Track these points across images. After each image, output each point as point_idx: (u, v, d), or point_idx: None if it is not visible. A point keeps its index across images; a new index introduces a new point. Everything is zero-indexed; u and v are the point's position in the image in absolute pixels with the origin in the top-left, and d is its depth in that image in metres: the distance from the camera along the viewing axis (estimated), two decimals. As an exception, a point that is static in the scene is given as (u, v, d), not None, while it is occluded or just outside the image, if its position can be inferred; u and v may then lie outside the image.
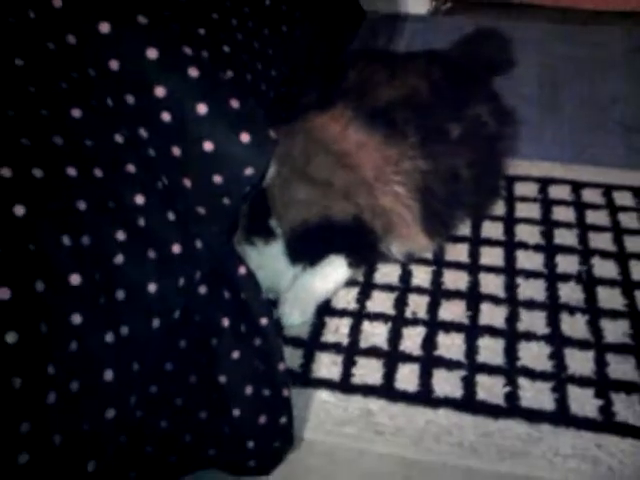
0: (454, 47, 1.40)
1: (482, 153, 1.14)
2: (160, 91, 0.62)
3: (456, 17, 1.83)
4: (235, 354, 0.73)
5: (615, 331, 0.96)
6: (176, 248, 0.68)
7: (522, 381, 0.90)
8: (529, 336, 0.96)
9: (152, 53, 0.61)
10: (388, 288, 1.05)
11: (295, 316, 0.99)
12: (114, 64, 0.61)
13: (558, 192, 1.22)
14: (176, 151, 0.65)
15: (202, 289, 0.72)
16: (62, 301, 0.56)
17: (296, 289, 1.00)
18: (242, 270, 0.77)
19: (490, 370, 0.91)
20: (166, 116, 0.63)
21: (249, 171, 0.67)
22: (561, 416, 0.85)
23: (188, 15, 0.78)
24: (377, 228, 1.03)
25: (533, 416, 0.86)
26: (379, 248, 1.05)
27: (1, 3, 0.62)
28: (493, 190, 1.19)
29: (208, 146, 0.64)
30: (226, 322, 0.73)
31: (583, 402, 0.87)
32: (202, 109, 0.63)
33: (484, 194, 1.16)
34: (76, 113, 0.63)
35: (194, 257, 0.70)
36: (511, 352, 0.94)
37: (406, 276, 1.07)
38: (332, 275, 1.02)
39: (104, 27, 0.60)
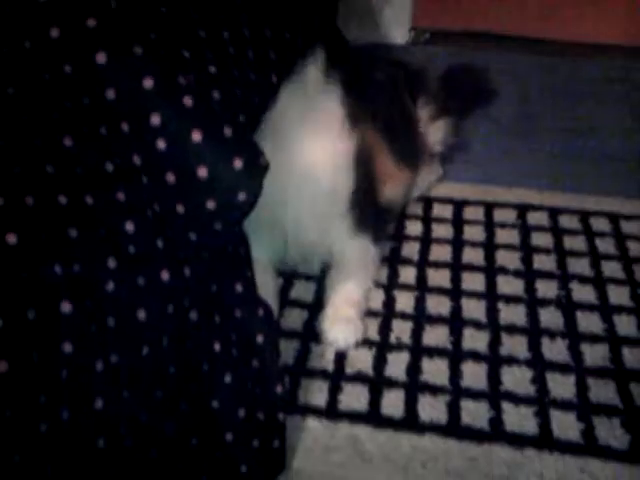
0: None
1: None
2: (155, 119, 0.63)
3: (435, 47, 1.87)
4: (227, 378, 0.73)
5: (595, 355, 0.98)
6: (165, 275, 0.68)
7: (505, 406, 0.91)
8: (511, 361, 0.97)
9: (148, 83, 0.62)
10: (372, 314, 1.05)
11: (350, 338, 0.99)
12: (110, 93, 0.62)
13: (536, 218, 1.25)
14: (170, 177, 0.66)
15: (192, 314, 0.73)
16: (53, 329, 0.56)
17: (336, 304, 1.01)
18: (238, 287, 0.78)
19: (474, 395, 0.92)
20: (161, 144, 0.64)
21: (242, 196, 0.68)
22: (544, 440, 0.86)
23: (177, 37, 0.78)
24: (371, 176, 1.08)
25: (517, 440, 0.86)
26: (381, 204, 1.11)
27: (-6, 33, 0.63)
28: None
29: (202, 172, 0.65)
30: (217, 346, 0.74)
31: (566, 426, 0.88)
32: (197, 136, 0.64)
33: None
34: (68, 142, 0.63)
35: (183, 283, 0.70)
36: (494, 377, 0.95)
37: (389, 301, 1.08)
38: (364, 267, 1.06)
39: (101, 57, 0.61)
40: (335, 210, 1.04)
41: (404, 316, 1.05)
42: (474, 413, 0.90)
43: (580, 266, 1.14)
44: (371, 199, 1.07)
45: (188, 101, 0.64)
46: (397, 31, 1.89)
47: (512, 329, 1.02)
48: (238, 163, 0.67)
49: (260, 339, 0.79)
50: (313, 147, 1.00)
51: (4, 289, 0.53)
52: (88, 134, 0.64)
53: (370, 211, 1.07)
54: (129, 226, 0.65)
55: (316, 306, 1.06)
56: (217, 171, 0.66)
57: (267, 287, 1.02)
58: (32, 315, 0.54)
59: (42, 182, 0.60)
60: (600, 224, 1.23)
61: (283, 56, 0.90)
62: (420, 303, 1.07)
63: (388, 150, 1.14)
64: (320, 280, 1.10)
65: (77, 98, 0.63)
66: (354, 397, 0.92)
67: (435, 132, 1.31)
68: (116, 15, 0.64)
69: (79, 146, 0.63)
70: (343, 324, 1.00)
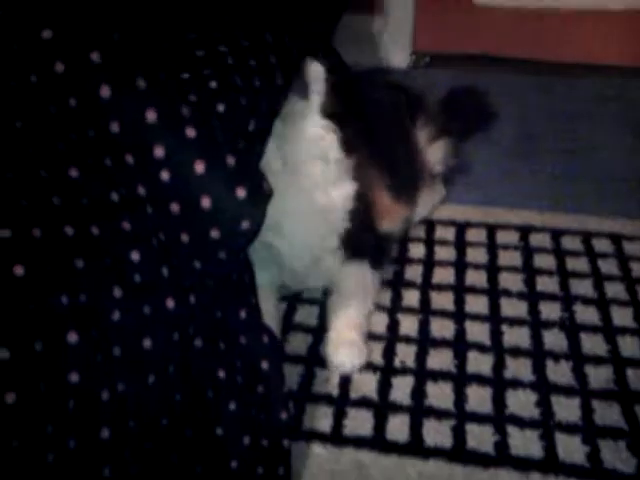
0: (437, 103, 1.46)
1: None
2: (159, 151, 0.64)
3: (435, 70, 1.89)
4: (232, 405, 0.74)
5: (599, 377, 0.98)
6: (170, 303, 0.69)
7: (511, 429, 0.91)
8: (516, 384, 0.97)
9: (151, 115, 0.64)
10: (376, 337, 1.06)
11: (356, 361, 0.99)
12: (115, 126, 0.63)
13: (538, 240, 1.25)
14: (175, 207, 0.67)
15: (197, 342, 0.73)
16: (60, 360, 0.57)
17: (338, 328, 1.02)
18: (243, 314, 0.79)
19: (479, 419, 0.92)
20: (165, 175, 0.65)
21: (245, 225, 0.69)
22: (550, 464, 0.86)
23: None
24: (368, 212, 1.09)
25: (522, 464, 0.86)
26: (380, 232, 1.12)
27: (3, 67, 0.64)
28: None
29: (206, 202, 0.66)
30: (222, 374, 0.74)
31: (571, 449, 0.88)
32: (200, 167, 0.66)
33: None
34: (73, 173, 0.64)
35: (188, 311, 0.71)
36: (499, 400, 0.95)
37: (393, 325, 1.08)
38: (364, 291, 1.06)
39: (105, 91, 0.63)
40: (329, 241, 1.05)
41: (408, 340, 1.05)
42: (479, 437, 0.90)
43: (583, 287, 1.14)
44: (367, 228, 1.08)
45: (191, 132, 0.65)
46: (398, 55, 1.91)
47: (516, 352, 1.02)
48: (241, 192, 0.68)
49: (265, 365, 0.79)
50: (309, 182, 1.00)
51: (12, 321, 0.54)
52: (93, 166, 0.65)
53: (366, 239, 1.08)
54: (134, 255, 0.66)
55: (320, 330, 1.06)
56: (220, 201, 0.67)
57: (269, 312, 1.02)
58: (39, 346, 0.55)
59: (49, 213, 0.61)
60: (602, 245, 1.23)
61: (285, 59, 0.91)
62: (424, 326, 1.08)
63: (387, 187, 1.15)
64: (323, 304, 1.10)
65: (82, 131, 0.64)
66: (359, 422, 0.92)
67: (435, 152, 1.32)
68: (119, 48, 0.65)
69: (84, 177, 0.64)
70: (347, 347, 1.00)
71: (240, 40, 0.83)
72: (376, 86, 1.34)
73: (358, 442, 0.89)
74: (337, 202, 1.02)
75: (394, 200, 1.17)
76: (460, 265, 1.20)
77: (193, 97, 0.68)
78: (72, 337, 0.58)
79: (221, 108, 0.72)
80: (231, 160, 0.68)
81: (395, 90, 1.33)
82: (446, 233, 1.28)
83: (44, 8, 0.65)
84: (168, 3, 0.83)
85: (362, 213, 1.05)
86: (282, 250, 1.03)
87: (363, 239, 1.07)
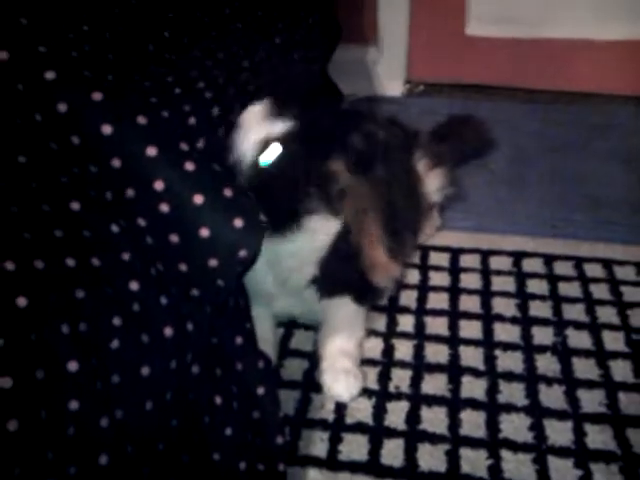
0: (434, 131, 1.50)
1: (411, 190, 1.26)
2: (159, 185, 0.67)
3: (429, 99, 1.93)
4: (228, 431, 0.75)
5: (592, 401, 0.99)
6: (168, 331, 0.71)
7: (504, 453, 0.92)
8: (509, 408, 0.98)
9: (152, 151, 0.67)
10: (371, 362, 1.07)
11: (354, 390, 1.00)
12: (116, 162, 0.66)
13: (531, 265, 1.27)
14: (174, 238, 0.69)
15: (194, 368, 0.75)
16: (61, 388, 0.58)
17: (331, 357, 1.02)
18: (239, 340, 0.81)
19: (473, 443, 0.94)
20: (164, 207, 0.68)
21: (243, 253, 0.71)
22: (543, 487, 0.87)
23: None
24: (362, 261, 1.07)
25: (516, 488, 0.87)
26: (370, 280, 1.09)
27: (8, 106, 0.67)
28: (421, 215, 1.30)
29: (204, 232, 0.69)
30: (218, 400, 0.76)
31: (564, 473, 0.89)
32: (198, 199, 0.68)
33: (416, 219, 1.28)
34: (75, 206, 0.67)
35: (186, 339, 0.73)
36: (493, 424, 0.96)
37: (388, 350, 1.10)
38: (350, 322, 1.06)
39: (106, 129, 0.66)
40: (305, 270, 1.03)
41: (403, 365, 1.07)
42: (473, 462, 0.91)
43: (575, 312, 1.16)
44: (349, 266, 1.05)
45: (190, 166, 0.68)
46: (392, 84, 1.95)
47: (509, 376, 1.04)
48: (238, 222, 0.70)
49: (261, 391, 0.81)
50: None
51: (14, 350, 0.56)
52: (95, 199, 0.68)
53: (348, 276, 1.06)
54: (134, 285, 0.68)
55: (316, 356, 1.08)
56: (219, 231, 0.70)
57: (266, 337, 1.04)
58: (40, 375, 0.57)
59: (51, 246, 0.63)
60: (594, 270, 1.25)
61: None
62: (419, 351, 1.09)
63: (384, 244, 1.12)
64: (319, 330, 1.12)
65: (84, 166, 0.67)
66: (354, 447, 0.94)
67: (432, 182, 1.34)
68: (119, 87, 0.68)
69: (86, 210, 0.67)
70: (343, 377, 1.01)
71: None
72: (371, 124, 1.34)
73: (353, 467, 0.91)
74: (306, 247, 0.98)
75: (390, 257, 1.14)
76: (454, 290, 1.22)
77: (186, 133, 0.70)
78: (72, 365, 0.60)
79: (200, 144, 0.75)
80: (228, 192, 0.71)
81: (390, 126, 1.35)
82: (440, 259, 1.30)
83: (47, 49, 0.68)
84: (154, 45, 0.87)
85: (345, 251, 1.03)
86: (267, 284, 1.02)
87: (343, 278, 1.05)
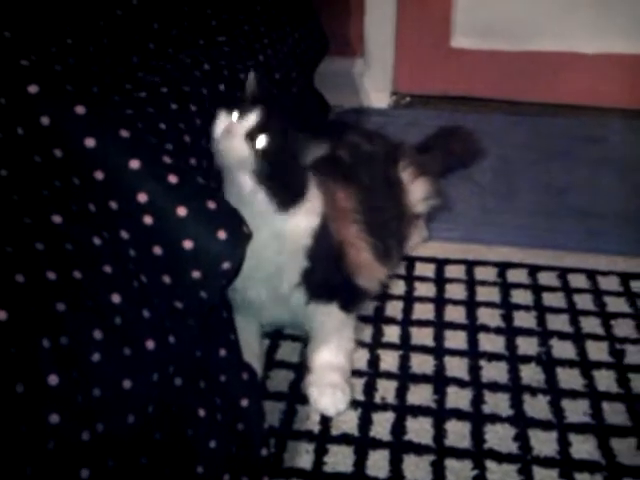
0: (424, 142, 1.51)
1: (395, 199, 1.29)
2: (142, 197, 0.67)
3: (415, 110, 1.94)
4: (212, 443, 0.75)
5: (576, 411, 1.00)
6: (150, 344, 0.71)
7: (489, 464, 0.92)
8: (494, 418, 0.99)
9: (135, 164, 0.67)
10: (357, 373, 1.07)
11: (340, 405, 1.00)
12: (99, 174, 0.66)
13: (516, 276, 1.28)
14: (157, 250, 0.69)
15: (177, 381, 0.75)
16: (41, 402, 0.58)
17: (319, 371, 1.02)
18: (222, 352, 0.81)
19: (458, 454, 0.94)
20: (148, 219, 0.68)
21: (226, 265, 0.71)
22: (528, 498, 0.88)
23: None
24: (347, 262, 1.09)
25: (501, 499, 0.88)
26: (354, 282, 1.11)
27: (-11, 120, 0.67)
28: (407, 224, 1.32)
29: (188, 244, 0.69)
30: (202, 412, 0.76)
31: (548, 483, 0.90)
32: (182, 211, 0.68)
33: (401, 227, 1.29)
34: (57, 219, 0.67)
35: (168, 351, 0.72)
36: (478, 435, 0.96)
37: (374, 361, 1.10)
38: (338, 334, 1.07)
39: (90, 142, 0.66)
40: (289, 275, 1.03)
41: (389, 375, 1.07)
42: (458, 472, 0.91)
43: (560, 322, 1.17)
44: (333, 270, 1.07)
45: (173, 179, 0.68)
46: (379, 95, 1.96)
47: (494, 386, 1.04)
48: (222, 234, 0.70)
49: (245, 403, 0.81)
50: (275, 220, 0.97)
51: (-6, 364, 0.56)
52: (77, 212, 0.68)
53: (333, 281, 1.07)
54: (115, 298, 0.68)
55: (302, 367, 1.08)
56: (202, 243, 0.70)
57: (252, 348, 1.04)
58: (20, 389, 0.57)
59: (32, 259, 0.63)
60: (578, 281, 1.26)
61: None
62: (404, 362, 1.10)
63: (369, 244, 1.15)
64: (305, 341, 1.12)
65: (67, 179, 0.67)
66: (339, 458, 0.94)
67: (416, 191, 1.35)
68: (102, 101, 0.69)
69: (68, 223, 0.67)
70: (330, 391, 1.01)
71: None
72: (355, 133, 1.35)
73: (339, 478, 0.91)
74: (294, 232, 1.00)
75: (375, 258, 1.16)
76: (439, 301, 1.23)
77: (170, 146, 0.71)
78: (53, 379, 0.60)
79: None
80: (212, 204, 0.71)
81: (373, 137, 1.36)
82: (426, 269, 1.31)
83: (30, 63, 0.68)
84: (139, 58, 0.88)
85: (328, 254, 1.04)
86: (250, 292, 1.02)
87: (328, 281, 1.06)
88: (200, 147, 0.84)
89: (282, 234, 0.98)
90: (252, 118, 0.93)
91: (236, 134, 0.91)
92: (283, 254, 1.00)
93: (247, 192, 0.93)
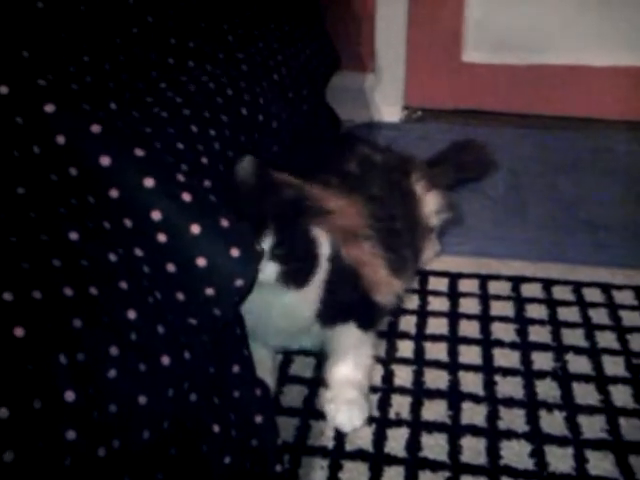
0: (437, 156, 1.51)
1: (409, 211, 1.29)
2: (156, 215, 0.68)
3: (427, 124, 1.95)
4: (227, 459, 0.75)
5: (592, 427, 0.99)
6: (165, 360, 0.71)
7: (505, 480, 0.91)
8: (510, 434, 0.98)
9: (149, 182, 0.67)
10: (371, 389, 1.07)
11: (357, 421, 1.00)
12: (114, 192, 0.67)
13: (530, 290, 1.27)
14: (171, 267, 0.70)
15: (192, 397, 0.75)
16: (58, 418, 0.58)
17: (337, 386, 1.02)
18: (236, 368, 0.81)
19: (474, 470, 0.93)
20: (162, 237, 0.68)
21: (239, 282, 0.72)
22: (545, 515, 0.87)
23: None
24: (363, 282, 1.09)
25: (517, 516, 0.87)
26: (372, 299, 1.11)
27: (7, 138, 0.68)
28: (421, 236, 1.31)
29: (201, 262, 0.69)
30: (217, 428, 0.76)
31: (565, 500, 0.89)
32: (195, 229, 0.69)
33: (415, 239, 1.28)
34: (74, 236, 0.68)
35: (183, 367, 0.73)
36: (493, 451, 0.95)
37: (388, 376, 1.09)
38: (357, 349, 1.06)
39: (105, 160, 0.67)
40: (305, 312, 1.04)
41: (403, 391, 1.07)
42: (474, 489, 0.90)
43: (575, 337, 1.16)
44: (350, 293, 1.07)
45: (187, 197, 0.69)
46: (390, 110, 1.97)
47: (510, 402, 1.03)
48: (235, 252, 0.71)
49: (259, 419, 0.81)
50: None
51: (12, 380, 0.56)
52: (93, 229, 0.68)
53: (349, 303, 1.07)
54: (131, 314, 0.68)
55: (315, 382, 1.08)
56: (215, 260, 0.70)
57: (265, 364, 1.04)
58: (38, 405, 0.57)
59: (49, 275, 0.63)
60: (593, 295, 1.25)
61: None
62: (418, 377, 1.09)
63: (384, 260, 1.14)
64: (319, 356, 1.12)
65: (82, 196, 0.68)
66: (354, 474, 0.93)
67: (430, 203, 1.35)
68: (118, 119, 0.69)
69: (84, 240, 0.68)
70: (347, 407, 1.00)
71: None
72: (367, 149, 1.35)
73: (353, 495, 0.90)
74: (307, 293, 1.01)
75: (390, 273, 1.16)
76: (453, 316, 1.22)
77: (185, 166, 0.71)
78: (69, 395, 0.60)
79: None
80: (225, 222, 0.71)
81: (382, 149, 1.37)
82: (439, 284, 1.30)
83: (47, 83, 0.69)
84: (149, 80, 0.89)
85: (343, 281, 1.04)
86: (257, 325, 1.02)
87: (346, 303, 1.06)
88: (217, 171, 0.84)
89: (295, 302, 1.01)
90: (267, 241, 0.93)
91: None
92: (297, 314, 1.03)
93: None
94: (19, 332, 0.58)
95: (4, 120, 0.68)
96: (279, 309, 1.01)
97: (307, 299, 1.03)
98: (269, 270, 0.94)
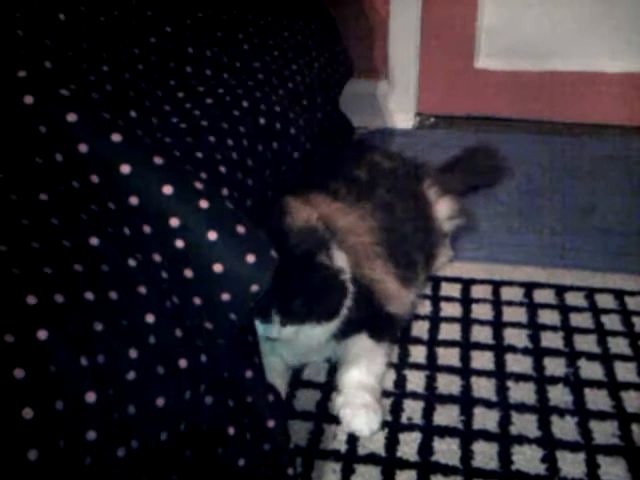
0: (450, 162, 1.52)
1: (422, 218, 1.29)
2: (174, 221, 0.69)
3: (439, 131, 1.96)
4: (241, 462, 0.76)
5: (604, 432, 0.99)
6: (182, 363, 0.72)
7: (517, 486, 0.92)
8: (522, 439, 0.99)
9: (168, 190, 0.69)
10: (384, 393, 1.08)
11: (373, 425, 1.01)
12: (134, 200, 0.69)
13: (543, 296, 1.28)
14: (188, 273, 0.71)
15: (208, 399, 0.77)
16: (79, 419, 0.60)
17: (351, 391, 1.03)
18: (249, 373, 0.82)
19: (485, 475, 0.94)
20: (180, 243, 0.70)
21: (254, 288, 0.73)
22: (556, 520, 0.87)
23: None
24: (376, 297, 1.10)
25: (529, 521, 0.87)
26: (384, 311, 1.12)
27: (31, 147, 0.70)
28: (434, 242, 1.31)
29: (218, 268, 0.71)
30: (232, 430, 0.77)
31: (577, 505, 0.89)
32: (212, 236, 0.70)
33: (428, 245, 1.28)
34: (94, 241, 0.69)
35: (199, 370, 0.74)
36: (505, 456, 0.96)
37: (401, 381, 1.10)
38: (369, 355, 1.08)
39: (125, 168, 0.68)
40: (322, 336, 1.06)
41: (415, 396, 1.08)
42: (486, 494, 0.91)
43: (587, 343, 1.16)
44: (362, 309, 1.07)
45: (204, 204, 0.70)
46: (403, 117, 1.99)
47: (522, 408, 1.04)
48: (251, 258, 0.72)
49: (271, 424, 0.82)
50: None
51: (35, 382, 0.58)
52: (113, 235, 0.70)
53: (363, 318, 1.07)
54: (150, 318, 0.70)
55: (328, 387, 1.09)
56: (231, 266, 0.71)
57: (276, 369, 1.05)
58: (60, 406, 0.58)
59: (70, 280, 0.65)
60: (605, 301, 1.26)
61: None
62: (431, 382, 1.10)
63: (395, 273, 1.15)
64: (331, 361, 1.13)
65: (103, 203, 0.70)
66: (366, 478, 0.94)
67: (442, 209, 1.36)
68: (137, 127, 0.71)
69: (104, 246, 0.69)
70: (363, 411, 1.01)
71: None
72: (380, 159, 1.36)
73: (366, 499, 0.91)
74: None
75: (402, 285, 1.16)
76: (466, 321, 1.23)
77: (204, 174, 0.73)
78: (90, 397, 0.61)
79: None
80: (241, 229, 0.73)
81: (393, 155, 1.38)
82: (452, 290, 1.31)
83: (70, 93, 0.71)
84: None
85: (358, 300, 1.05)
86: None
87: (360, 318, 1.07)
88: (235, 179, 0.86)
89: (318, 330, 1.03)
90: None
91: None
92: (316, 338, 1.05)
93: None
94: (42, 335, 0.60)
95: (29, 129, 0.69)
96: (302, 339, 1.03)
97: (329, 325, 1.04)
98: (287, 331, 0.99)
